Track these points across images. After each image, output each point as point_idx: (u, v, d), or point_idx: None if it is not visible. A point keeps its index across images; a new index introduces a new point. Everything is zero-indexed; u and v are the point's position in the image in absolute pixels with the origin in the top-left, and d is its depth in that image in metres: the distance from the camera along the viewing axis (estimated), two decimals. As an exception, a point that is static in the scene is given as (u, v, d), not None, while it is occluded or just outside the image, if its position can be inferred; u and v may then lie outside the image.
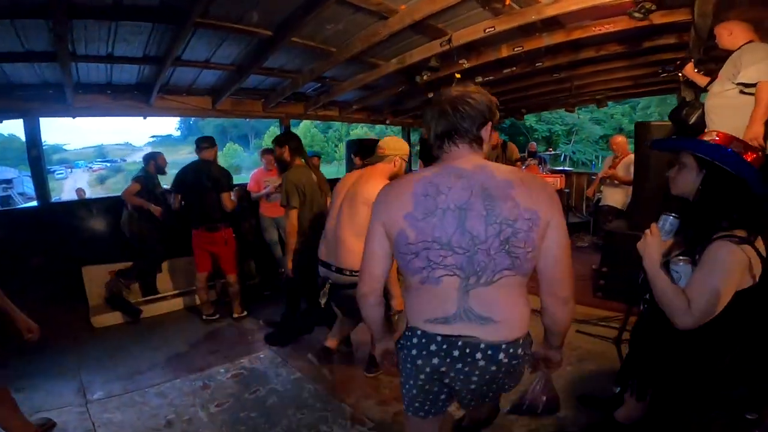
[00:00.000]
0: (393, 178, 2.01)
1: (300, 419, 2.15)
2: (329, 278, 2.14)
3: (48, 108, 3.75)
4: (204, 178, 3.35)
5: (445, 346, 1.08)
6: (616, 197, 4.26)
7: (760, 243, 1.18)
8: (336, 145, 31.02)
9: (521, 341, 1.13)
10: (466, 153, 1.11)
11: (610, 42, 3.77)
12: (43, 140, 4.05)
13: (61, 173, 32.60)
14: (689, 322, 1.17)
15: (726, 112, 2.25)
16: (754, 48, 2.14)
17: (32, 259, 3.61)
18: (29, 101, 3.62)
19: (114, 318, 3.54)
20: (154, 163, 3.82)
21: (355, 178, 2.13)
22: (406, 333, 1.17)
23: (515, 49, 3.65)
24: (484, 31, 3.08)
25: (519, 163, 5.27)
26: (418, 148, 6.10)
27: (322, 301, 2.20)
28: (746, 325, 1.27)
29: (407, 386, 1.23)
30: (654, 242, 1.30)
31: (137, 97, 4.08)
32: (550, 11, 2.73)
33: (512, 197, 1.02)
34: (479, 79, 4.70)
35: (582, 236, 5.38)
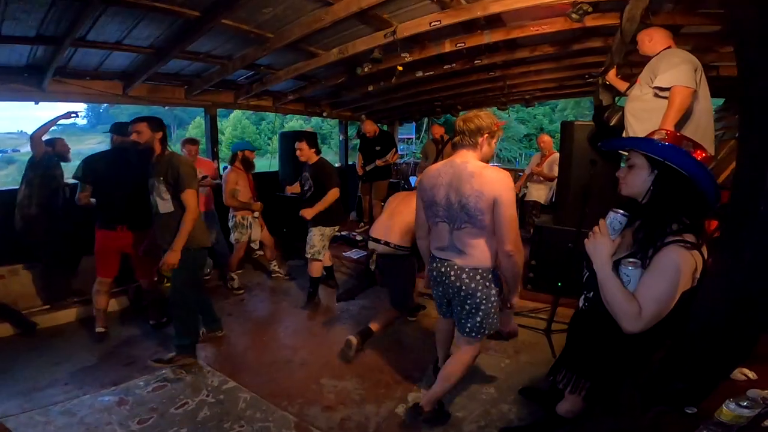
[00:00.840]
0: None
1: (238, 432, 1.95)
2: (376, 250, 2.73)
3: None
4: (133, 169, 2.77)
5: (439, 264, 1.89)
6: (540, 193, 4.54)
7: (704, 248, 1.21)
8: (269, 138, 29.57)
9: (480, 270, 1.80)
10: (464, 153, 1.81)
11: (544, 43, 3.95)
12: None
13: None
14: (638, 326, 1.17)
15: (643, 115, 2.39)
16: (671, 54, 2.28)
17: None
18: None
19: (3, 330, 2.96)
20: (52, 149, 3.26)
21: (404, 195, 2.98)
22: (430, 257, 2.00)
23: (458, 45, 3.67)
24: (430, 24, 3.04)
25: None
26: (357, 141, 5.94)
27: (372, 267, 2.79)
28: (680, 324, 1.32)
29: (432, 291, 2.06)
30: (604, 242, 1.27)
31: (27, 81, 3.40)
32: (496, 8, 2.75)
33: (470, 181, 1.71)
34: (420, 73, 4.70)
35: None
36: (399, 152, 6.53)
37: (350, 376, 2.46)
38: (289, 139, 5.46)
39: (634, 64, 3.79)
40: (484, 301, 1.81)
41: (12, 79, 3.33)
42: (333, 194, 3.31)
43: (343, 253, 4.53)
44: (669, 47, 2.34)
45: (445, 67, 4.49)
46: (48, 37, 2.80)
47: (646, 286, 1.17)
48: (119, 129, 2.89)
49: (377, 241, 2.73)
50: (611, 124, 2.63)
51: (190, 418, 2.04)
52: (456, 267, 1.81)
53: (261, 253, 4.94)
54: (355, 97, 5.92)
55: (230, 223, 3.93)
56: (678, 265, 1.14)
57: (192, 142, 4.18)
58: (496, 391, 2.31)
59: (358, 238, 4.91)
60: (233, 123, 31.05)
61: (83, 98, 3.85)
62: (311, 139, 3.45)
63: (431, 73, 4.66)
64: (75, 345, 2.84)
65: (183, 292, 2.50)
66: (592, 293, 1.41)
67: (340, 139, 7.53)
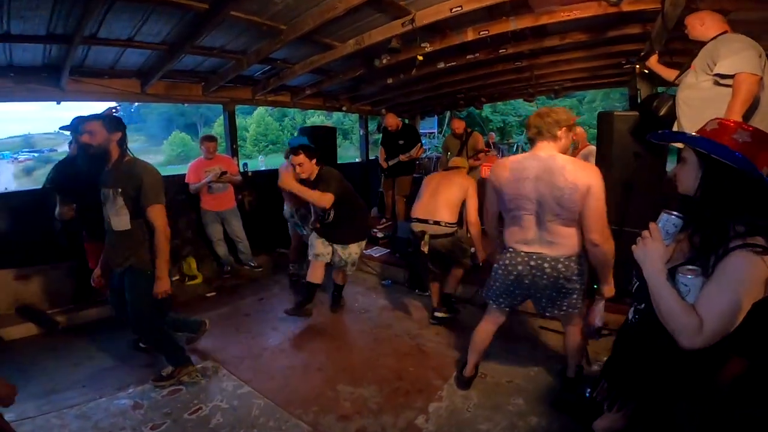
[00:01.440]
0: None
1: (250, 441, 1.86)
2: (426, 231, 2.78)
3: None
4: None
5: (526, 258, 1.90)
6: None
7: None
8: (292, 134, 29.93)
9: (573, 257, 1.87)
10: (545, 145, 1.84)
11: (575, 30, 3.67)
12: None
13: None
14: (699, 342, 1.00)
15: (700, 104, 2.17)
16: (730, 39, 2.07)
17: None
18: None
19: (26, 330, 3.00)
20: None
21: (440, 176, 3.15)
22: (503, 250, 2.02)
23: (481, 33, 3.45)
24: (451, 10, 2.85)
25: (482, 154, 5.10)
26: (379, 136, 5.79)
27: (425, 249, 2.76)
28: (754, 339, 1.12)
29: (495, 285, 2.04)
30: (657, 248, 1.09)
31: (46, 81, 3.41)
32: (523, -12, 2.51)
33: (562, 174, 1.75)
34: (441, 64, 4.49)
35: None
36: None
37: (367, 383, 2.33)
38: (308, 135, 5.38)
39: (674, 52, 3.47)
40: (579, 281, 1.90)
41: (30, 80, 3.34)
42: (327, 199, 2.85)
43: (364, 251, 4.39)
44: (725, 32, 2.12)
45: (467, 57, 4.24)
46: (59, 35, 2.76)
47: (709, 297, 1.00)
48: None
49: (424, 221, 2.80)
50: (660, 113, 2.39)
51: (203, 424, 1.99)
52: (549, 258, 1.87)
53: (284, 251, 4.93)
54: (374, 90, 5.75)
55: (287, 214, 3.91)
56: (746, 273, 0.97)
57: (210, 139, 4.16)
58: (524, 402, 2.15)
59: (379, 235, 4.76)
60: (257, 120, 31.54)
61: (102, 97, 3.84)
62: (309, 149, 2.94)
63: (453, 63, 4.43)
64: (95, 346, 2.83)
65: (149, 320, 2.24)
66: (643, 305, 1.23)
67: (361, 133, 7.41)
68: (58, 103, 3.75)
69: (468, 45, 3.86)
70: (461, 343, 2.76)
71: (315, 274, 3.10)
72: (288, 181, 2.87)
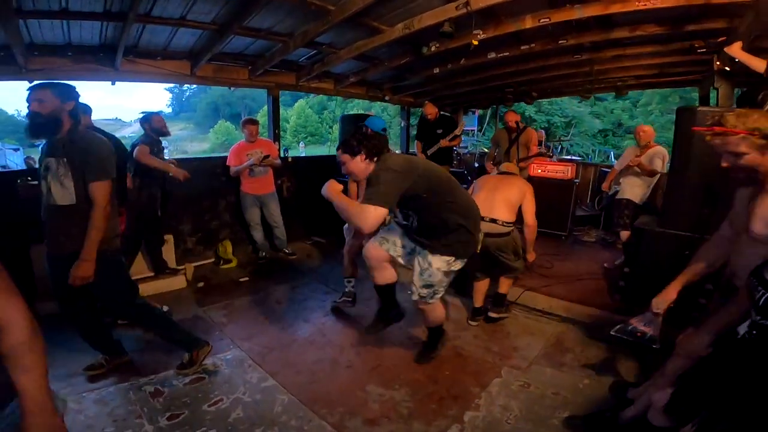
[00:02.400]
0: None
1: (269, 441, 1.77)
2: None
3: (-3, 70, 3.18)
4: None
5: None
6: (635, 191, 3.87)
7: None
8: (330, 127, 30.28)
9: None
10: None
11: (649, 21, 3.30)
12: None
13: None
14: None
15: None
16: None
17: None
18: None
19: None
20: (149, 125, 3.34)
21: (497, 179, 3.02)
22: None
23: (541, 21, 3.17)
24: (511, -7, 2.61)
25: (536, 148, 4.75)
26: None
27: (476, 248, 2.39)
28: None
29: None
30: None
31: (102, 60, 3.53)
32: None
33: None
34: (492, 54, 4.24)
35: (589, 230, 5.00)
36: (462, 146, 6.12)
37: (399, 385, 2.19)
38: (350, 122, 5.31)
39: (761, 50, 3.05)
40: None
41: (88, 59, 3.46)
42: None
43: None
44: None
45: (522, 47, 3.96)
46: (114, 13, 2.80)
47: None
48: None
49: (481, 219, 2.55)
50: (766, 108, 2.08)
51: (222, 418, 1.90)
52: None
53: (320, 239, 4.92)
54: (418, 81, 5.57)
55: None
56: None
57: (252, 122, 4.18)
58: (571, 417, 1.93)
59: None
60: (297, 112, 32.16)
61: (154, 78, 3.94)
62: (348, 144, 2.04)
63: (505, 54, 4.15)
64: (126, 326, 2.75)
65: (126, 300, 2.10)
66: (762, 318, 1.05)
67: (402, 125, 7.26)
68: (113, 83, 3.88)
69: (524, 34, 3.61)
70: (502, 349, 2.59)
71: (383, 275, 2.35)
72: (330, 189, 2.00)
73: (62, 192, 1.85)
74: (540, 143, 5.57)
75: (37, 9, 2.64)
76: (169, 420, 1.87)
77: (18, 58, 3.05)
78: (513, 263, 2.82)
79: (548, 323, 2.94)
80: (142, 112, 3.42)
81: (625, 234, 3.74)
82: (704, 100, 3.88)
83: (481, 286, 2.94)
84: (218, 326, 2.86)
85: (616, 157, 11.27)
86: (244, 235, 4.47)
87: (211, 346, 2.34)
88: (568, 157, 6.17)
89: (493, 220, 2.68)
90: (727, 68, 2.69)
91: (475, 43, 3.47)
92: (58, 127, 1.85)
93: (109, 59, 3.50)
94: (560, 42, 3.74)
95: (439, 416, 1.96)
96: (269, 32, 3.56)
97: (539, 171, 4.74)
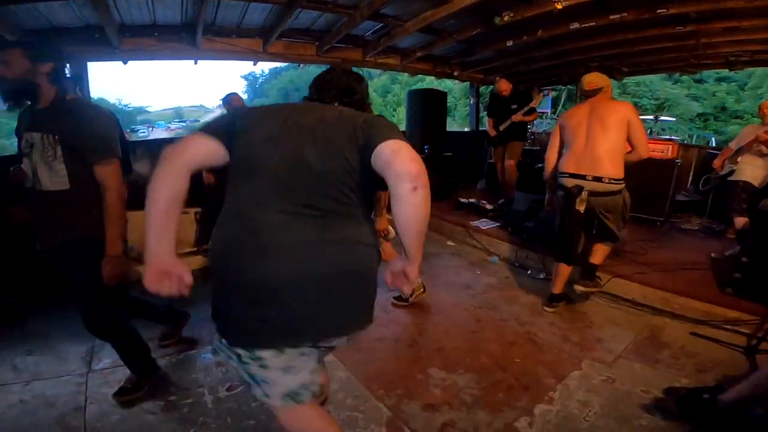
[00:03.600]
0: None
1: (322, 418, 1.74)
2: (583, 186, 2.36)
3: (95, 52, 3.51)
4: None
5: None
6: (756, 172, 3.25)
7: None
8: (394, 110, 30.19)
9: None
10: None
11: None
12: (126, 102, 3.86)
13: (144, 132, 35.24)
14: None
15: None
16: None
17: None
18: (75, 45, 3.40)
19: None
20: (229, 105, 3.51)
21: (588, 108, 2.46)
22: None
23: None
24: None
25: None
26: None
27: (581, 208, 2.36)
28: None
29: None
30: None
31: (184, 39, 3.76)
32: None
33: None
34: (575, 25, 3.78)
35: (690, 217, 4.34)
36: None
37: (464, 370, 2.04)
38: (418, 98, 5.16)
39: None
40: None
41: (172, 38, 3.69)
42: None
43: (471, 222, 4.07)
44: None
45: (611, 17, 3.49)
46: (192, -12, 2.93)
47: None
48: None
49: (581, 176, 2.36)
50: None
51: None
52: None
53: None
54: (489, 55, 5.21)
55: None
56: None
57: None
58: (662, 419, 1.69)
59: (488, 206, 4.39)
60: (362, 96, 32.42)
61: (230, 56, 4.11)
62: None
63: (591, 24, 3.68)
64: (202, 292, 2.88)
65: (101, 307, 1.71)
66: None
67: (471, 102, 6.93)
68: (195, 62, 4.11)
69: (615, 1, 3.20)
70: (583, 340, 2.32)
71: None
72: None
73: (52, 176, 1.54)
74: None
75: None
76: (228, 391, 1.89)
77: (112, 39, 3.33)
78: (617, 229, 2.48)
79: (639, 315, 2.60)
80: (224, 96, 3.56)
81: (740, 221, 3.20)
82: None
83: (564, 270, 2.61)
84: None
85: (719, 143, 9.82)
86: None
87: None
88: (666, 137, 5.38)
89: (598, 179, 2.32)
90: None
91: (559, 7, 3.11)
92: (34, 93, 1.54)
93: (190, 38, 3.70)
94: (659, 11, 3.24)
95: (506, 407, 1.80)
96: (335, 4, 3.50)
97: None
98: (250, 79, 45.23)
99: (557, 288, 2.63)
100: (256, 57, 4.25)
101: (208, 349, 2.21)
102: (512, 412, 1.76)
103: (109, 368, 2.06)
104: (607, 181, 2.33)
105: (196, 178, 1.04)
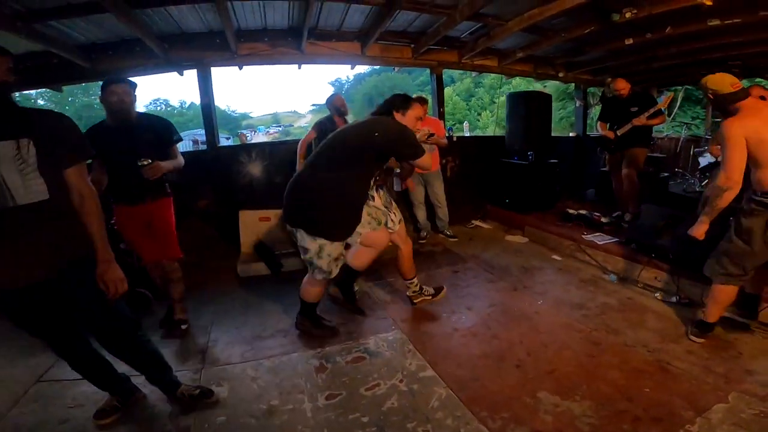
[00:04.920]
0: None
1: (419, 439, 1.63)
2: None
3: (217, 57, 3.89)
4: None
5: None
6: None
7: None
8: (479, 114, 29.35)
9: None
10: None
11: None
12: (233, 109, 4.36)
13: (248, 135, 39.27)
14: None
15: None
16: None
17: (200, 200, 3.91)
18: (202, 51, 3.81)
19: (258, 268, 3.44)
20: (332, 105, 3.69)
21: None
22: None
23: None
24: None
25: None
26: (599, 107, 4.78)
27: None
28: None
29: None
30: None
31: (290, 44, 3.99)
32: None
33: None
34: (716, 21, 3.23)
35: None
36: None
37: (581, 397, 1.80)
38: (520, 100, 4.86)
39: None
40: None
41: (280, 43, 3.94)
42: None
43: (583, 236, 3.68)
44: None
45: (761, 13, 2.98)
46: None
47: None
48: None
49: None
50: None
51: (376, 405, 1.83)
52: None
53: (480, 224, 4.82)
54: (600, 54, 4.72)
55: None
56: None
57: (422, 100, 4.08)
58: None
59: (603, 219, 3.96)
60: (446, 100, 32.14)
61: (331, 59, 4.28)
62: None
63: (737, 21, 3.15)
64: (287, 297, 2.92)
65: (131, 325, 1.63)
66: None
67: (577, 105, 6.41)
68: (299, 66, 4.35)
69: None
70: (729, 371, 1.94)
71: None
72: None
73: (29, 187, 1.31)
74: None
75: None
76: (327, 399, 1.87)
77: (231, 44, 3.65)
78: None
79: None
80: (313, 104, 3.80)
81: None
82: None
83: (728, 294, 2.17)
84: (381, 304, 2.86)
85: None
86: (407, 213, 4.51)
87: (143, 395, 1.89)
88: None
89: None
90: None
91: (709, 2, 2.67)
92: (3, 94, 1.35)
93: (296, 42, 3.92)
94: None
95: None
96: (433, 5, 3.43)
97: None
98: (337, 85, 47.64)
99: (712, 316, 2.20)
100: (355, 60, 4.37)
101: (310, 354, 2.25)
102: (639, 449, 1.49)
103: (220, 366, 2.18)
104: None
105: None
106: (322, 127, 3.61)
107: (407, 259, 2.60)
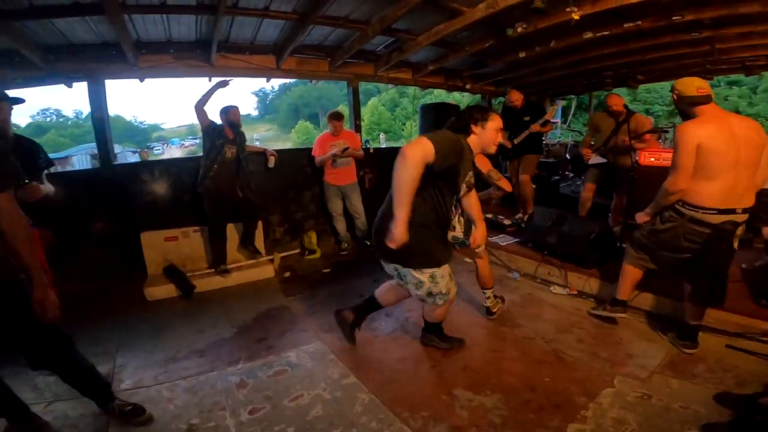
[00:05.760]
0: None
1: (346, 443, 1.67)
2: (738, 222, 2.04)
3: (112, 69, 3.59)
4: None
5: None
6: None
7: None
8: (403, 123, 30.41)
9: None
10: None
11: None
12: (142, 120, 3.96)
13: (159, 149, 36.06)
14: None
15: None
16: None
17: (95, 223, 3.53)
18: (95, 63, 3.48)
19: (167, 291, 3.31)
20: (226, 117, 3.54)
21: (728, 124, 2.01)
22: None
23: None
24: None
25: (649, 135, 4.07)
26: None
27: (736, 244, 2.08)
28: None
29: None
30: None
31: (199, 56, 3.81)
32: None
33: None
34: (589, 34, 3.75)
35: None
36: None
37: (491, 391, 1.97)
38: (431, 111, 5.15)
39: None
40: None
41: (187, 56, 3.75)
42: None
43: (489, 238, 3.95)
44: None
45: (625, 25, 3.49)
46: (206, 5, 2.95)
47: None
48: None
49: (730, 211, 1.99)
50: None
51: (301, 415, 1.84)
52: None
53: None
54: (500, 67, 5.20)
55: None
56: None
57: (338, 117, 4.17)
58: None
59: (506, 222, 4.33)
60: (371, 110, 32.78)
61: (245, 73, 4.14)
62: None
63: (605, 33, 3.67)
64: (221, 313, 2.97)
65: (55, 335, 1.58)
66: None
67: (483, 115, 6.88)
68: (209, 79, 4.16)
69: (628, 10, 3.14)
70: (613, 356, 2.23)
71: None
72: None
73: None
74: (659, 136, 4.77)
75: (139, 3, 2.87)
76: (251, 414, 1.85)
77: (128, 56, 3.39)
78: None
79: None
80: (223, 107, 3.56)
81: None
82: None
83: (634, 274, 2.41)
84: (302, 317, 2.87)
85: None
86: (327, 226, 4.56)
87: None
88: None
89: (746, 210, 2.02)
90: None
91: (576, 17, 3.08)
92: None
93: (205, 55, 3.76)
94: (674, 18, 3.22)
95: (539, 427, 1.71)
96: (347, 20, 3.53)
97: (651, 159, 4.05)
98: (261, 95, 46.22)
99: (624, 293, 2.47)
100: (269, 74, 4.30)
101: (230, 372, 2.20)
102: (544, 432, 1.66)
103: (132, 389, 2.07)
104: (740, 211, 2.03)
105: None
106: (210, 133, 3.46)
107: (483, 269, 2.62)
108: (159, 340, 2.59)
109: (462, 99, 10.10)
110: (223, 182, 3.44)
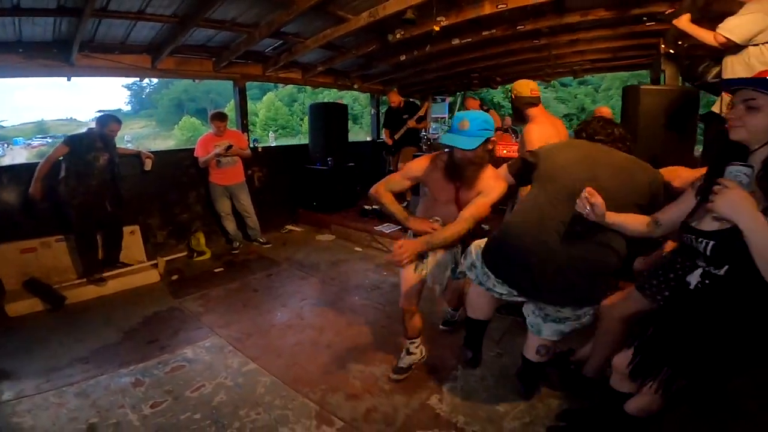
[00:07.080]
0: None
1: (255, 420, 1.82)
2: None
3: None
4: None
5: None
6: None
7: None
8: (301, 119, 29.84)
9: None
10: None
11: (598, 6, 3.48)
12: None
13: (-1, 151, 29.52)
14: None
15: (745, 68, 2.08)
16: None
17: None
18: None
19: (31, 305, 2.96)
20: (107, 129, 3.31)
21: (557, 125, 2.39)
22: None
23: (499, 6, 3.28)
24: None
25: (499, 132, 4.95)
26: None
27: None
28: None
29: None
30: (744, 195, 0.99)
31: (56, 56, 3.39)
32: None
33: None
34: (456, 41, 4.34)
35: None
36: (432, 132, 6.25)
37: (379, 362, 2.28)
38: (320, 111, 5.34)
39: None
40: None
41: (41, 55, 3.32)
42: None
43: (375, 227, 4.36)
44: None
45: (483, 33, 4.09)
46: (69, 8, 2.71)
47: None
48: None
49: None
50: (708, 79, 2.32)
51: (205, 402, 1.93)
52: None
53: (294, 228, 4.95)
54: (386, 68, 5.61)
55: None
56: None
57: (221, 118, 4.11)
58: (545, 384, 2.07)
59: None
60: (266, 105, 31.39)
61: (112, 73, 3.80)
62: None
63: (468, 40, 4.28)
64: (101, 321, 2.80)
65: None
66: (725, 269, 1.13)
67: (372, 113, 7.31)
68: (69, 79, 3.72)
69: (484, 20, 3.71)
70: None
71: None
72: None
73: None
74: (507, 129, 5.73)
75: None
76: (153, 408, 1.89)
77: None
78: None
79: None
80: (99, 111, 3.32)
81: None
82: (655, 83, 4.13)
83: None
84: (195, 316, 2.86)
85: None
86: (216, 226, 4.45)
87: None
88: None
89: None
90: (672, 51, 2.85)
91: (437, 29, 3.55)
92: None
93: (64, 55, 3.36)
94: (518, 27, 3.89)
95: (420, 389, 2.06)
96: (234, 23, 3.52)
97: (504, 152, 4.86)
98: (135, 89, 40.67)
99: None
100: (143, 73, 4.00)
101: (122, 373, 2.16)
102: (425, 393, 2.03)
103: (13, 400, 1.95)
104: None
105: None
106: (77, 145, 3.20)
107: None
108: (33, 353, 2.38)
109: (359, 95, 10.45)
110: (92, 191, 3.20)
